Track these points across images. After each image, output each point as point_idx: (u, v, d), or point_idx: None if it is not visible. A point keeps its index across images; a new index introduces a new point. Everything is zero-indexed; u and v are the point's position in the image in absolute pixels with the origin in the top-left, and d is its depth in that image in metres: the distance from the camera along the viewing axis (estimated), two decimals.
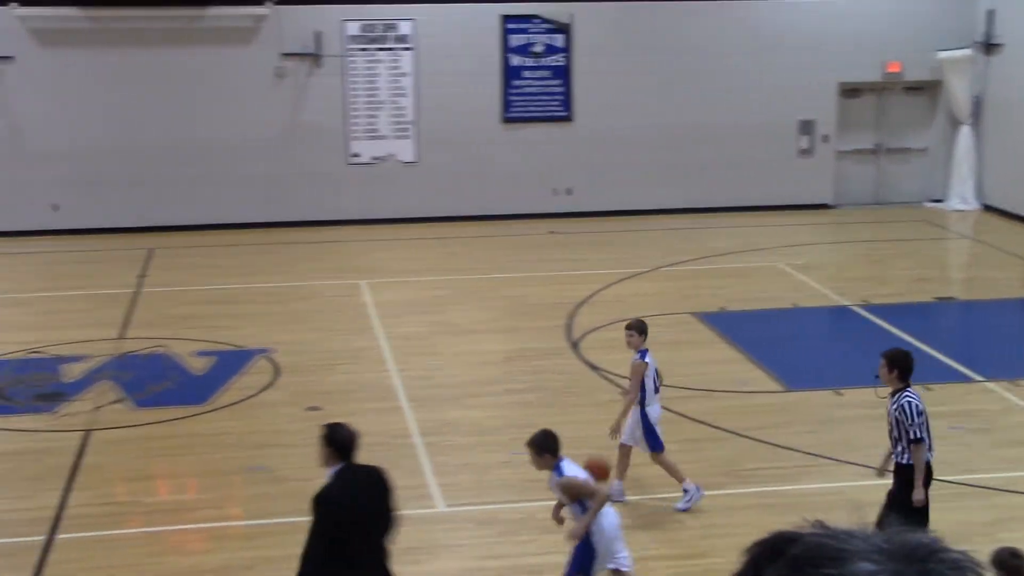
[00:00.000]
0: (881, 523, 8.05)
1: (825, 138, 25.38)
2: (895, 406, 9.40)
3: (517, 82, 24.59)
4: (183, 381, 15.20)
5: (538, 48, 24.55)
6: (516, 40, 24.46)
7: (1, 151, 23.40)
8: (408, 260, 21.63)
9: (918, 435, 9.28)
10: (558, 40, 24.58)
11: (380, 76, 24.35)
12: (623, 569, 9.14)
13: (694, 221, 24.22)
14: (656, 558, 10.41)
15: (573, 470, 8.81)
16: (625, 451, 11.40)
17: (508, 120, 24.75)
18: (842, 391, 14.31)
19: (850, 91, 25.36)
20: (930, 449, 9.50)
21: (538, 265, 20.98)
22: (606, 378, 15.03)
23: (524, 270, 20.68)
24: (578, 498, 8.81)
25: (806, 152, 25.44)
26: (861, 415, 13.16)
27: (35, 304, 18.88)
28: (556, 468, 8.80)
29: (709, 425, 13.43)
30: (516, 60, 24.51)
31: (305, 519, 9.58)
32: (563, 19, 24.50)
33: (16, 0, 22.79)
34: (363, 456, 9.52)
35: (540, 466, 8.99)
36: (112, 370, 15.47)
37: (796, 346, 16.79)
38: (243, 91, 24.02)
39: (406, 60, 24.35)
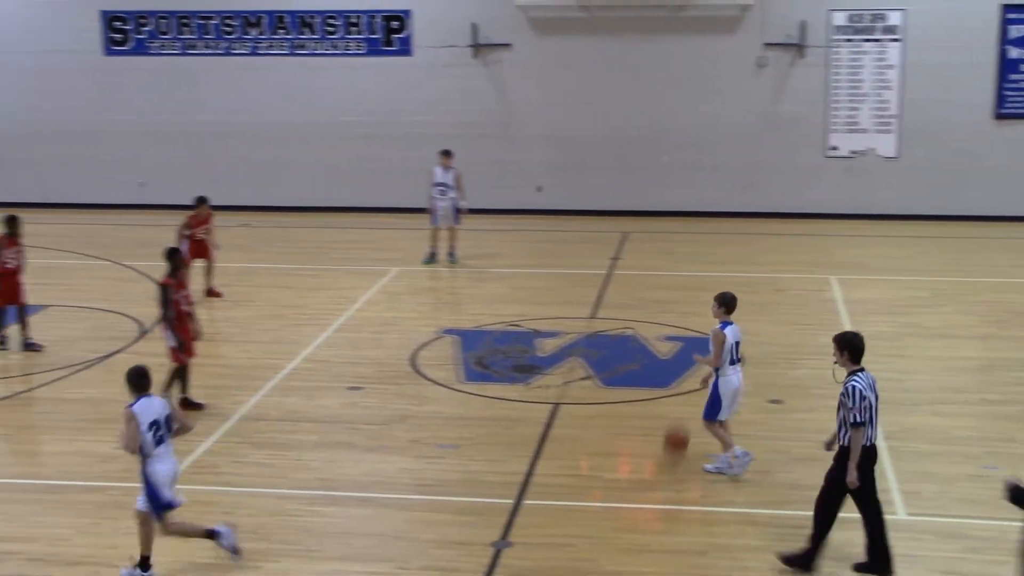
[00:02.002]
0: (821, 502, 8.90)
1: None
2: (842, 389, 9.60)
3: (1014, 76, 23.22)
4: (649, 364, 15.56)
5: None
6: (1016, 31, 23.10)
7: (495, 133, 24.92)
8: (882, 258, 21.01)
9: (858, 419, 9.44)
10: None
11: (864, 68, 23.76)
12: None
13: None
14: None
15: (144, 408, 9.69)
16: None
17: (1001, 116, 23.45)
18: None
19: None
20: (870, 434, 9.57)
21: None
22: None
23: (1009, 275, 19.56)
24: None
25: None
26: None
27: (517, 279, 19.97)
28: (136, 400, 9.74)
29: None
30: (1015, 53, 23.16)
31: (762, 511, 9.57)
32: None
33: None
34: (824, 465, 9.59)
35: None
36: (583, 348, 16.09)
37: None
38: (723, 80, 24.21)
39: (893, 51, 23.60)
